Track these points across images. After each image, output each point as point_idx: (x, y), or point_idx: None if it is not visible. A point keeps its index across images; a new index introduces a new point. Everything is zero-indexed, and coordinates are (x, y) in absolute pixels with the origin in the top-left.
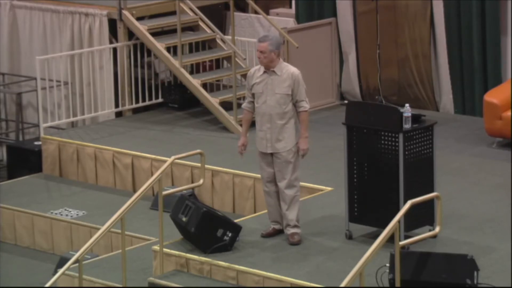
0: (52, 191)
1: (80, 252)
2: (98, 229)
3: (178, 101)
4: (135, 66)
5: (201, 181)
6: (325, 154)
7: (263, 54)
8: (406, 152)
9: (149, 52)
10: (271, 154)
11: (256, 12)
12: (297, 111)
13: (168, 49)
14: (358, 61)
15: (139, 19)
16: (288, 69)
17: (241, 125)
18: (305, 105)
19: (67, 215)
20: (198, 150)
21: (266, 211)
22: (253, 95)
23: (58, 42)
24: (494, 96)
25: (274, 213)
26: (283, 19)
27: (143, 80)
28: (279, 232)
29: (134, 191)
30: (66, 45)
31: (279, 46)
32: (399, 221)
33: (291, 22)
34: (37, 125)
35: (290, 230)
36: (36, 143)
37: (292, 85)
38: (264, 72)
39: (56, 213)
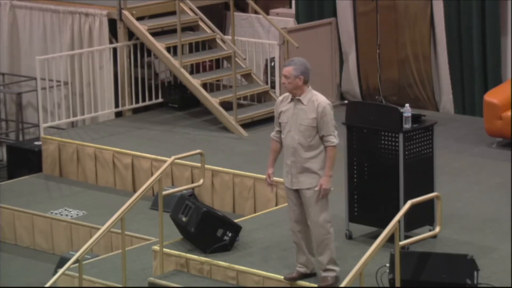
0: (52, 191)
1: (80, 252)
2: (98, 229)
3: (178, 101)
4: (135, 66)
5: (201, 181)
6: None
7: (287, 79)
8: (406, 152)
9: (149, 52)
10: (297, 190)
11: (256, 12)
12: (324, 145)
13: (168, 49)
14: (358, 61)
15: (139, 19)
16: (316, 99)
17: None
18: (333, 140)
19: (67, 215)
20: (198, 150)
21: (266, 211)
22: (279, 124)
23: (58, 42)
24: (494, 96)
25: (300, 255)
26: (283, 19)
27: (143, 80)
28: (305, 276)
29: (134, 191)
30: (66, 45)
31: (306, 73)
32: (399, 221)
33: (291, 22)
34: (37, 125)
35: (321, 274)
36: (36, 143)
37: (318, 118)
38: (291, 100)
39: (56, 213)
